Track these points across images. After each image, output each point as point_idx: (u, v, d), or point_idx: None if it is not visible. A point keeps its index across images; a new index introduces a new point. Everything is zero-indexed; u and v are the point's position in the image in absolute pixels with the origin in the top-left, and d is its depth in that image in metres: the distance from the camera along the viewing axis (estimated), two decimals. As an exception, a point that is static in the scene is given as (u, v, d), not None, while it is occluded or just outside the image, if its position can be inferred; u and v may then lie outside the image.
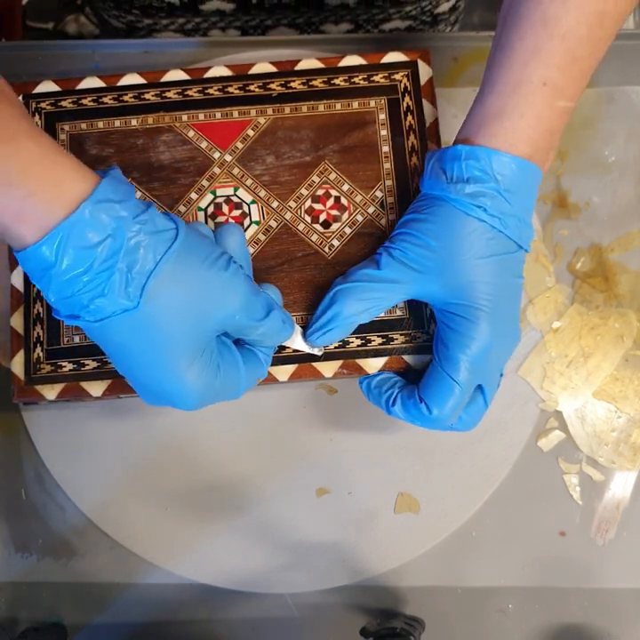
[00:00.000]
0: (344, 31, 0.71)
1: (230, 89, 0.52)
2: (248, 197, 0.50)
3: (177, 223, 0.39)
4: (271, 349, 0.45)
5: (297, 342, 0.46)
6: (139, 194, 0.50)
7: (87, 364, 0.48)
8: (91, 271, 0.36)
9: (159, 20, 0.69)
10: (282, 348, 0.47)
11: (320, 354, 0.47)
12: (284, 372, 0.48)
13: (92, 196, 0.36)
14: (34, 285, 0.49)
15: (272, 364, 0.47)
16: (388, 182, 0.50)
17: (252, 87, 0.52)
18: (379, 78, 0.52)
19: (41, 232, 0.35)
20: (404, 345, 0.48)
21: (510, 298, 0.44)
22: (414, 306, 0.48)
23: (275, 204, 0.50)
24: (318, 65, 0.52)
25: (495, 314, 0.42)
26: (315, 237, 0.50)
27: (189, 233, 0.39)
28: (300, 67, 0.52)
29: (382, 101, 0.52)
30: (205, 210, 0.50)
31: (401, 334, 0.48)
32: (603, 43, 0.43)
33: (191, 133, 0.51)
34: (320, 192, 0.50)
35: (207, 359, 0.40)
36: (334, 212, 0.50)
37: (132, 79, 0.52)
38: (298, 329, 0.46)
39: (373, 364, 0.48)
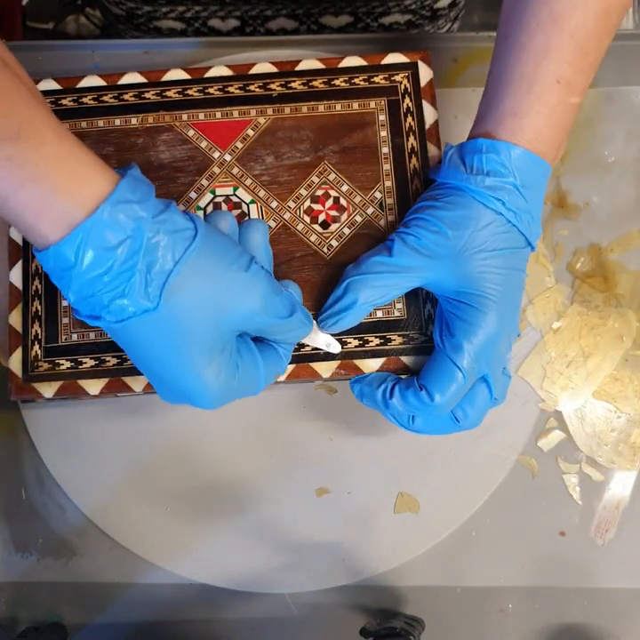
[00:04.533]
0: (343, 24, 0.71)
1: (230, 89, 0.52)
2: (247, 197, 0.50)
3: (196, 222, 0.39)
4: (292, 345, 0.45)
5: (316, 340, 0.47)
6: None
7: (85, 363, 0.48)
8: (111, 272, 0.36)
9: (159, 7, 0.69)
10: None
11: (337, 352, 0.47)
12: (282, 371, 0.48)
13: (111, 196, 0.35)
14: (32, 283, 0.49)
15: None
16: (388, 183, 0.50)
17: (252, 87, 0.52)
18: (379, 79, 0.52)
19: (62, 231, 0.35)
20: (402, 346, 0.48)
21: (515, 292, 0.44)
22: (413, 307, 0.48)
23: (274, 204, 0.50)
24: (319, 65, 0.52)
25: (502, 305, 0.43)
26: (313, 238, 0.50)
27: (209, 231, 0.39)
28: (300, 67, 0.52)
29: (382, 102, 0.52)
30: (205, 209, 0.50)
31: (399, 335, 0.48)
32: (608, 35, 0.44)
33: (191, 133, 0.51)
34: (319, 192, 0.50)
35: (226, 358, 0.40)
36: (333, 213, 0.50)
37: (133, 78, 0.52)
38: (316, 326, 0.46)
39: (371, 365, 0.48)
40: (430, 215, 0.44)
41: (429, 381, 0.43)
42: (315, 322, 0.46)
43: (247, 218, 0.50)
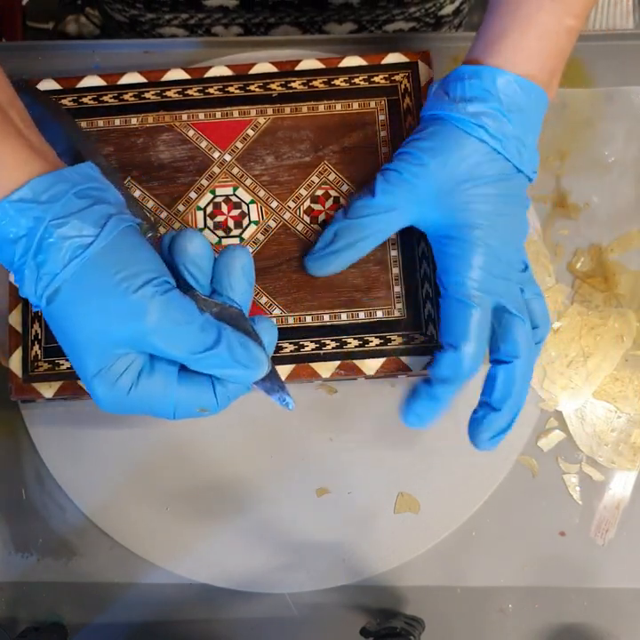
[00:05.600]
0: (347, 32, 0.71)
1: (230, 89, 0.52)
2: (247, 197, 0.50)
3: (104, 232, 0.38)
4: (240, 387, 0.41)
5: (270, 390, 0.43)
6: (137, 192, 0.50)
7: (87, 364, 0.48)
8: (14, 263, 0.38)
9: (162, 14, 0.69)
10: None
11: (291, 409, 0.43)
12: (281, 372, 0.48)
13: (11, 195, 0.37)
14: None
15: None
16: (388, 182, 0.50)
17: (252, 87, 0.52)
18: (379, 79, 0.52)
19: None
20: (402, 346, 0.48)
21: (508, 218, 0.43)
22: (413, 307, 0.48)
23: (274, 204, 0.50)
24: (319, 65, 0.52)
25: (492, 233, 0.42)
26: (313, 238, 0.50)
27: (112, 244, 0.38)
28: (300, 67, 0.52)
29: (382, 102, 0.52)
30: (204, 209, 0.50)
31: (399, 335, 0.48)
32: None
33: (191, 133, 0.51)
34: (319, 192, 0.50)
35: (116, 373, 0.38)
36: (333, 213, 0.50)
37: (133, 78, 0.52)
38: (274, 375, 0.42)
39: (371, 365, 0.48)
40: (412, 147, 0.43)
41: (448, 333, 0.42)
42: (274, 369, 0.42)
43: (231, 246, 0.44)
